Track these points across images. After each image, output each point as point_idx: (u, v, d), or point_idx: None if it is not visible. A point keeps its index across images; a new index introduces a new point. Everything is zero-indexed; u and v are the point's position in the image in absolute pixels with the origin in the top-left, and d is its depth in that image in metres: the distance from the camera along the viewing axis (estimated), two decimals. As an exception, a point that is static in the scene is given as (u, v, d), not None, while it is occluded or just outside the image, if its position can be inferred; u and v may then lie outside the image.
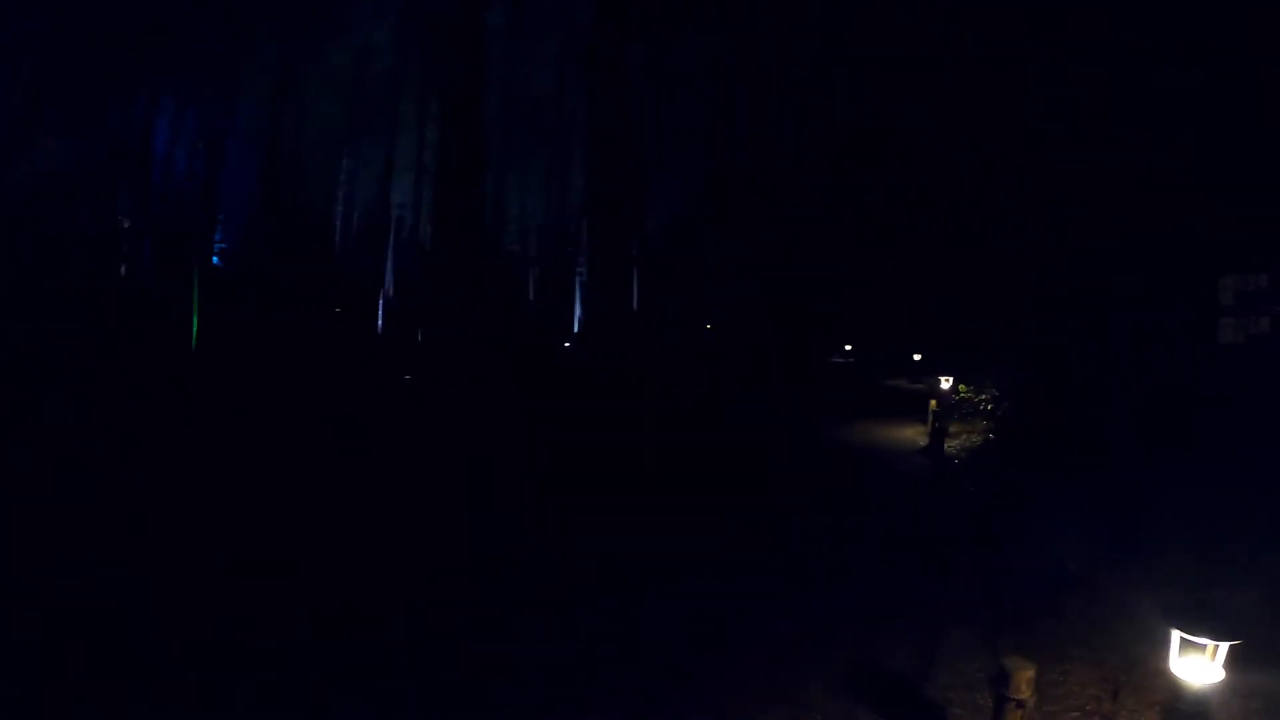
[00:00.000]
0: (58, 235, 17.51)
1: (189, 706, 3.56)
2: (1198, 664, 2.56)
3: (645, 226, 27.94)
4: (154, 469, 8.93)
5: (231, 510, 7.44)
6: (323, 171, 27.15)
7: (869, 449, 11.84)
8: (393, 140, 29.32)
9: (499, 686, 3.88)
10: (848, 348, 30.33)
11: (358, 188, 29.92)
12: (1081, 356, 10.13)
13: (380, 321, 25.38)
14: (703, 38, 27.50)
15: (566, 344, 26.18)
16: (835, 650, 4.34)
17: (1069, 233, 10.69)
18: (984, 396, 14.27)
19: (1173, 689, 3.56)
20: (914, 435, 12.88)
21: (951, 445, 11.37)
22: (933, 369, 21.86)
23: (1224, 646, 2.52)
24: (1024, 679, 2.83)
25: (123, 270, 21.76)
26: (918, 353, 24.40)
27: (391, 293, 28.06)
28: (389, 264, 28.86)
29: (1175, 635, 2.63)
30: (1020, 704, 2.83)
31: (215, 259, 23.97)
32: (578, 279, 30.82)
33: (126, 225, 22.50)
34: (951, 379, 13.33)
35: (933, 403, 12.84)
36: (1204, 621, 2.56)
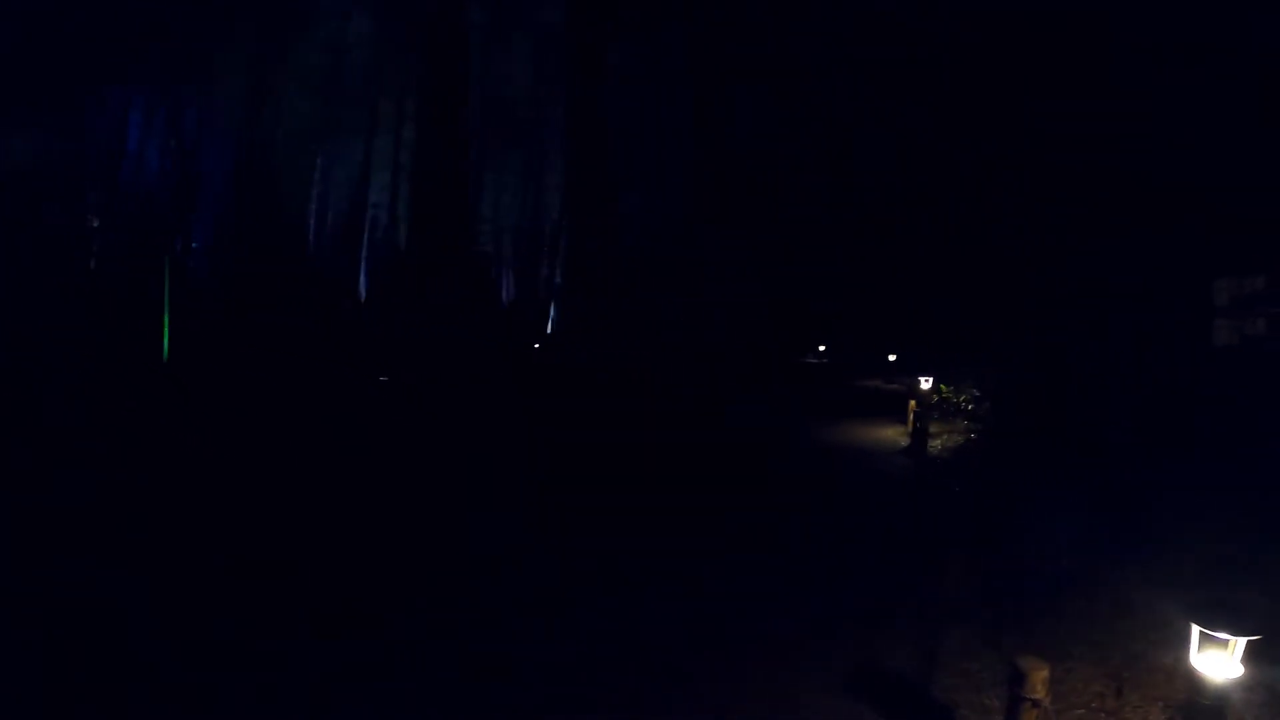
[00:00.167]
0: (25, 233, 17.38)
1: (189, 706, 3.56)
2: (1217, 659, 2.59)
3: (623, 226, 27.86)
4: (154, 469, 8.93)
5: (231, 510, 7.44)
6: (296, 170, 26.71)
7: (852, 450, 11.78)
8: (368, 138, 28.97)
9: (499, 686, 3.88)
10: (821, 348, 30.35)
11: (331, 186, 29.52)
12: (1076, 356, 10.16)
13: (355, 321, 25.16)
14: (695, 35, 27.47)
15: (537, 344, 26.17)
16: (836, 651, 4.33)
17: (1066, 233, 10.71)
18: (964, 397, 14.33)
19: (1175, 684, 3.67)
20: (894, 435, 12.83)
21: (933, 445, 11.36)
22: (908, 369, 22.00)
23: (1242, 641, 2.55)
24: (1039, 679, 2.83)
25: (91, 268, 21.48)
26: (893, 353, 24.47)
27: (364, 293, 27.74)
28: (363, 263, 28.40)
29: (1194, 630, 2.64)
30: (1036, 703, 2.84)
31: (185, 258, 23.67)
32: (555, 279, 30.75)
33: (95, 224, 22.26)
34: (932, 379, 13.35)
35: (912, 403, 12.82)
36: (1223, 617, 2.58)
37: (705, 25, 26.33)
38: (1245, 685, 3.29)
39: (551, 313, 30.61)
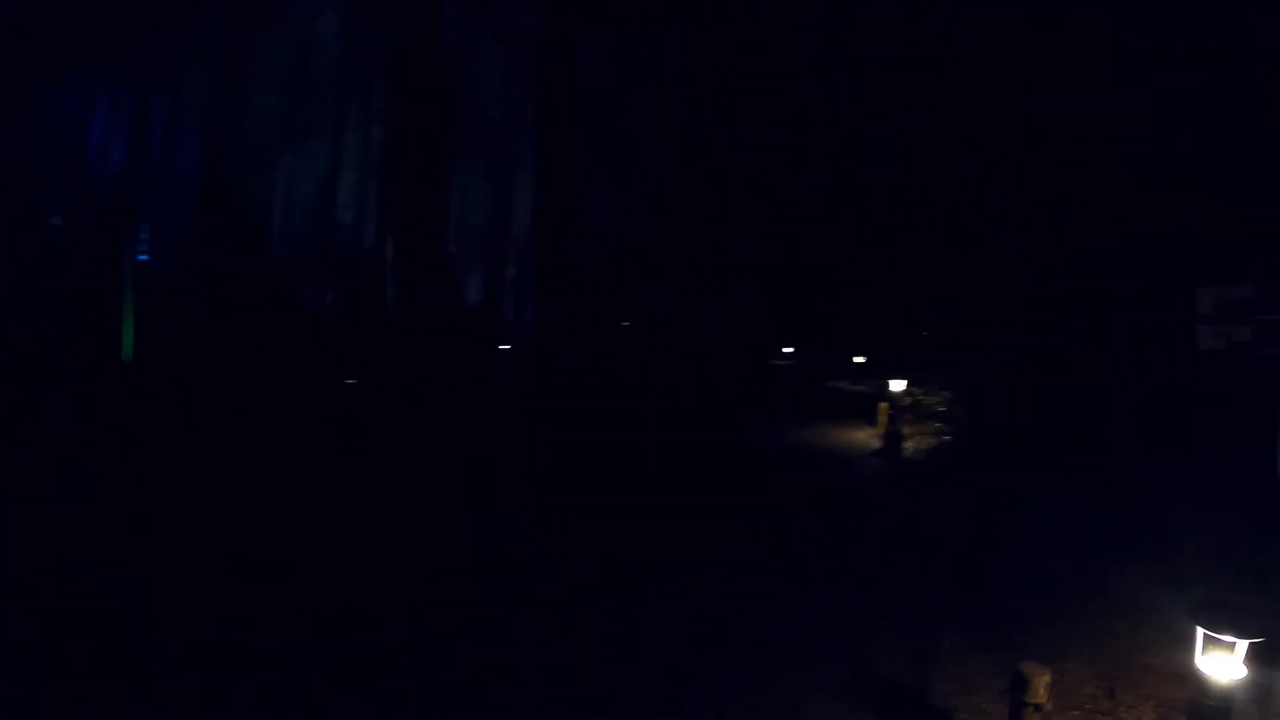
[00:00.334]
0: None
1: (189, 706, 3.56)
2: (1222, 660, 2.63)
3: (594, 227, 27.78)
4: (154, 469, 8.93)
5: (231, 510, 7.44)
6: (263, 168, 26.13)
7: (826, 452, 11.73)
8: (336, 137, 28.16)
9: (499, 686, 3.88)
10: (788, 349, 30.37)
11: (298, 185, 28.57)
12: (1074, 356, 10.18)
13: (321, 322, 24.83)
14: (671, 35, 27.42)
15: (504, 346, 26.20)
16: (832, 653, 4.33)
17: (1066, 233, 10.71)
18: (935, 399, 14.36)
19: (1167, 683, 3.73)
20: (866, 438, 12.81)
21: (905, 447, 11.33)
22: (875, 371, 22.06)
23: (1246, 644, 2.60)
24: (1042, 684, 2.87)
25: (53, 266, 21.16)
26: (860, 355, 24.51)
27: (330, 293, 27.27)
28: (328, 263, 27.91)
29: (1199, 633, 2.68)
30: (1038, 708, 2.87)
31: (145, 257, 22.97)
32: (523, 280, 30.57)
33: (57, 222, 21.94)
34: (905, 382, 13.39)
35: (883, 405, 12.77)
36: (1227, 619, 2.63)
37: (704, 25, 26.33)
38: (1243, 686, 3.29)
39: (518, 314, 30.50)
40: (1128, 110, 9.14)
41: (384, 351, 20.56)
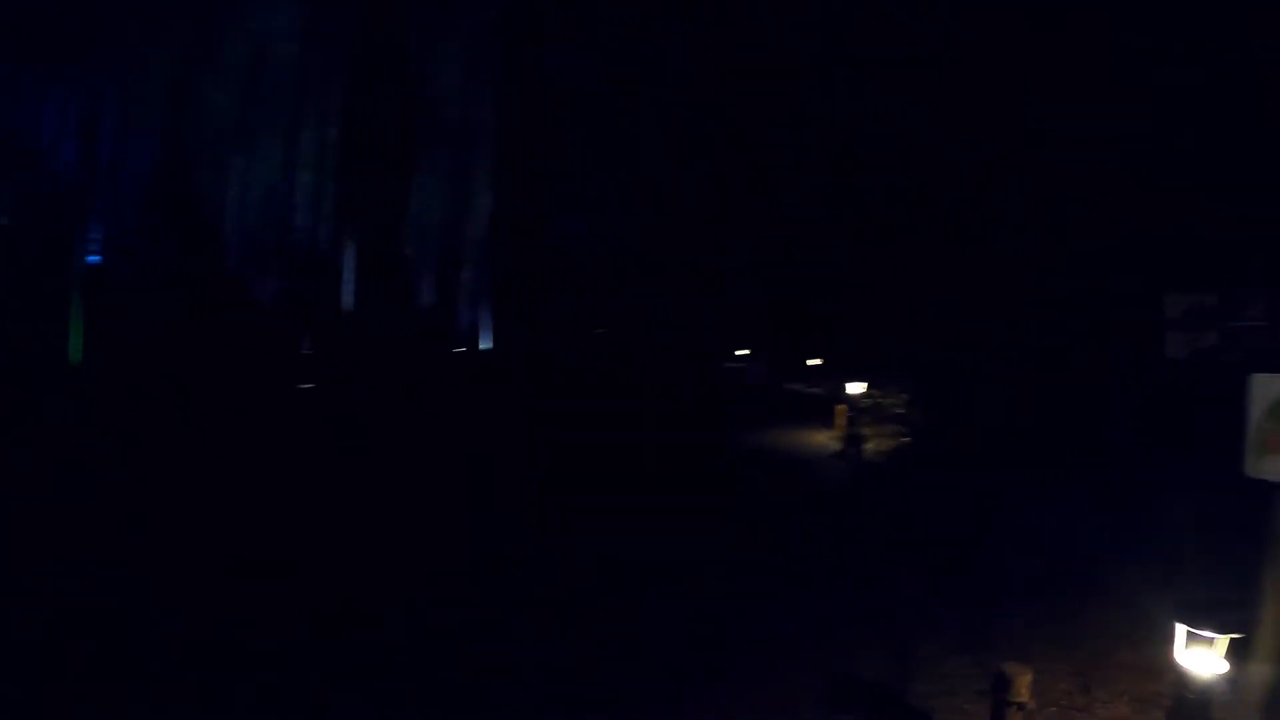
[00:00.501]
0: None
1: (189, 706, 3.56)
2: (1202, 655, 2.71)
3: (554, 229, 27.70)
4: (154, 469, 8.94)
5: (231, 510, 7.45)
6: (217, 168, 25.36)
7: (787, 455, 11.71)
8: (292, 137, 27.42)
9: (499, 686, 3.88)
10: (741, 352, 30.42)
11: (252, 185, 27.58)
12: (1046, 356, 10.24)
13: (274, 324, 24.53)
14: (633, 35, 27.38)
15: (460, 349, 26.13)
16: (819, 656, 4.32)
17: (1066, 233, 10.71)
18: (893, 401, 14.40)
19: (1139, 679, 3.79)
20: (825, 440, 12.80)
21: (866, 449, 11.31)
22: (830, 374, 22.16)
23: (1226, 639, 2.68)
24: (1024, 683, 2.91)
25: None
26: (815, 358, 24.56)
27: (283, 295, 26.83)
28: (283, 265, 27.56)
29: (1181, 629, 2.75)
30: (1021, 707, 2.91)
31: (97, 258, 22.03)
32: (479, 283, 30.41)
33: (4, 222, 21.60)
34: (865, 384, 13.45)
35: (841, 408, 12.78)
36: (1208, 616, 2.70)
37: (702, 25, 26.33)
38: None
39: (473, 317, 30.37)
40: (1128, 110, 9.14)
41: (339, 354, 20.47)
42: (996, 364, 11.22)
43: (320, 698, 3.69)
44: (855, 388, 12.86)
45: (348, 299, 24.99)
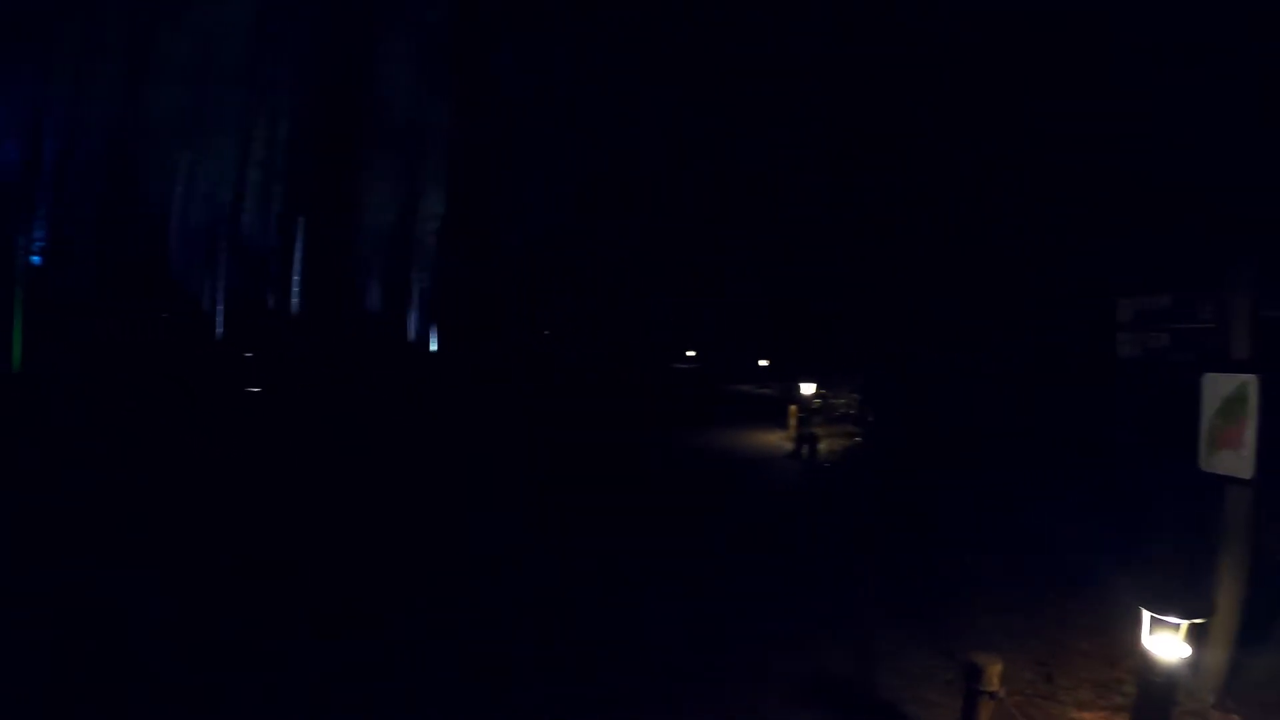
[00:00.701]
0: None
1: (190, 706, 3.56)
2: (1166, 640, 2.82)
3: (503, 232, 27.57)
4: (154, 469, 8.94)
5: (232, 510, 7.45)
6: (163, 165, 24.93)
7: (740, 457, 11.67)
8: (241, 134, 27.03)
9: (499, 686, 3.88)
10: (691, 353, 30.50)
11: (199, 183, 27.17)
12: (1020, 356, 10.31)
13: (217, 327, 24.29)
14: (586, 35, 27.25)
15: (402, 354, 26.11)
16: (773, 654, 4.34)
17: (1066, 233, 10.71)
18: (844, 401, 14.45)
19: (1097, 665, 3.97)
20: (777, 440, 12.84)
21: (819, 449, 11.33)
22: (778, 375, 22.19)
23: (1188, 624, 2.81)
24: (995, 672, 3.00)
25: None
26: (764, 358, 24.60)
27: (226, 297, 26.32)
28: (227, 265, 26.66)
29: (1146, 615, 2.86)
30: (992, 695, 2.99)
31: (38, 259, 21.52)
32: (425, 286, 30.24)
33: None
34: (815, 385, 13.48)
35: (793, 408, 12.83)
36: (1171, 602, 2.82)
37: (705, 25, 26.33)
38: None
39: (418, 321, 30.23)
40: (1128, 110, 9.13)
41: (284, 357, 20.39)
42: (960, 363, 11.29)
43: (320, 698, 3.69)
44: (806, 388, 12.95)
45: (294, 300, 24.76)
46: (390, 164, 30.37)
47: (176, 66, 24.37)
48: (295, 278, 26.03)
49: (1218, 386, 3.51)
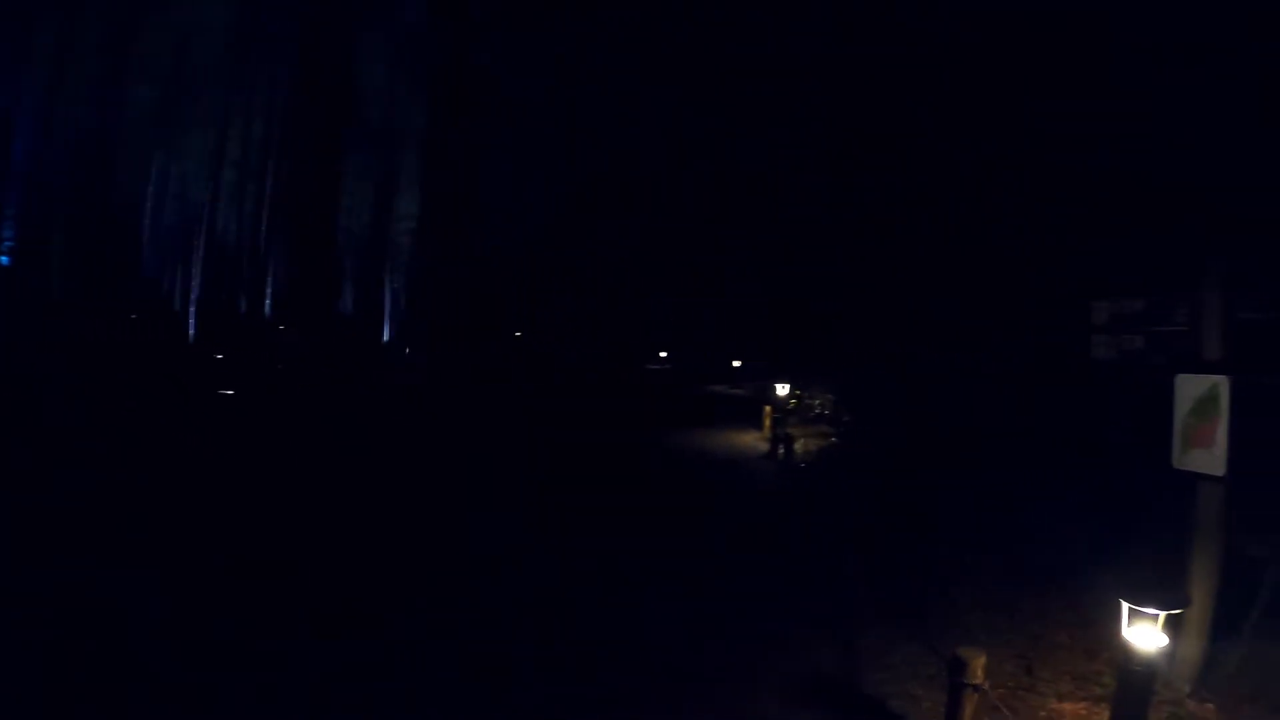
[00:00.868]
0: None
1: (189, 706, 3.56)
2: (1145, 631, 2.90)
3: (480, 235, 27.43)
4: (154, 469, 8.93)
5: (231, 510, 7.45)
6: (134, 164, 24.82)
7: (717, 457, 11.67)
8: (215, 133, 26.64)
9: (499, 686, 3.88)
10: (663, 354, 30.51)
11: (171, 183, 27.24)
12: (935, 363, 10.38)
13: (188, 329, 24.07)
14: (567, 34, 27.16)
15: (376, 355, 26.04)
16: (758, 651, 4.39)
17: (1066, 233, 10.72)
18: (819, 401, 14.48)
19: (1076, 657, 4.08)
20: (753, 441, 12.85)
21: (795, 449, 11.27)
22: (751, 375, 22.17)
23: (1165, 615, 2.89)
24: (979, 665, 3.07)
25: None
26: (737, 359, 24.61)
27: (198, 298, 25.77)
28: (199, 265, 26.38)
29: (1125, 607, 2.94)
30: (976, 688, 3.07)
31: (6, 259, 21.26)
32: (399, 288, 30.12)
33: None
34: (788, 386, 13.51)
35: (768, 409, 12.85)
36: (1149, 594, 2.90)
37: (706, 25, 26.31)
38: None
39: (394, 322, 30.12)
40: (1128, 110, 9.13)
41: (259, 358, 20.31)
42: (958, 363, 11.32)
43: (320, 698, 3.69)
44: (780, 389, 12.98)
45: (269, 302, 24.58)
46: (369, 164, 30.31)
47: (150, 66, 24.14)
48: (270, 278, 25.86)
49: (1190, 387, 3.61)
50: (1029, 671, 3.97)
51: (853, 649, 4.35)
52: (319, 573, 5.60)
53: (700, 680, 4.00)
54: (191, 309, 25.46)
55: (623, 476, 10.01)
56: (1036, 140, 10.80)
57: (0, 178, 21.39)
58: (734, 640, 4.55)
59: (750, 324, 25.01)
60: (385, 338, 30.53)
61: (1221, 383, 3.45)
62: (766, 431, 12.65)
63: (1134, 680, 2.96)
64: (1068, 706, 3.65)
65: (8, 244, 21.40)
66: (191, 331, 24.36)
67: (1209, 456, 3.48)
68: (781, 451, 10.32)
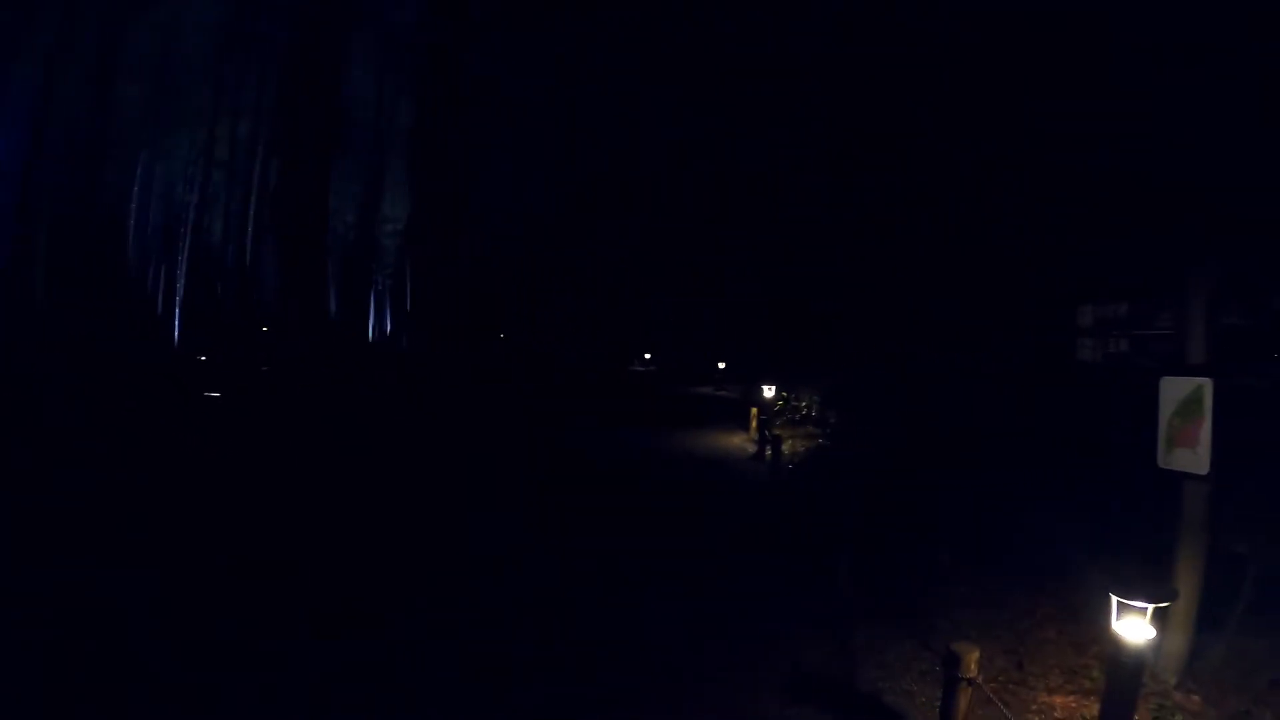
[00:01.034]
0: None
1: (189, 706, 3.56)
2: (1133, 624, 2.97)
3: (469, 236, 27.38)
4: (154, 469, 8.93)
5: (231, 510, 7.45)
6: (119, 162, 24.57)
7: (704, 459, 11.64)
8: (203, 133, 26.57)
9: (499, 686, 3.89)
10: (647, 355, 30.49)
11: (156, 182, 26.94)
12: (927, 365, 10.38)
13: (171, 329, 23.92)
14: (558, 33, 27.09)
15: (363, 357, 25.95)
16: (775, 650, 4.40)
17: (1066, 233, 10.73)
18: (805, 403, 14.50)
19: (1064, 651, 4.15)
20: (740, 442, 12.86)
21: (782, 450, 11.15)
22: (736, 377, 22.11)
23: (1153, 608, 2.96)
24: (972, 659, 3.14)
25: None
26: (721, 360, 24.62)
27: (182, 298, 25.73)
28: (183, 266, 26.31)
29: (1114, 600, 3.01)
30: (970, 682, 3.14)
31: None
32: (384, 289, 30.01)
33: None
34: (774, 387, 13.52)
35: (754, 410, 12.86)
36: (1138, 587, 2.96)
37: (705, 25, 26.30)
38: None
39: (382, 323, 30.02)
40: (1128, 110, 9.13)
41: (244, 360, 20.25)
42: (959, 363, 11.32)
43: (320, 698, 3.69)
44: (767, 391, 13.00)
45: (260, 303, 24.50)
46: (361, 164, 30.19)
47: (137, 68, 24.06)
48: (259, 280, 25.78)
49: (1175, 389, 3.70)
50: (1019, 666, 4.06)
51: (849, 647, 4.39)
52: (319, 573, 5.60)
53: (701, 680, 4.00)
54: (176, 310, 25.40)
55: (613, 477, 10.00)
56: (1035, 140, 10.80)
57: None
58: (734, 640, 4.55)
59: (742, 325, 25.00)
60: (379, 339, 30.46)
61: (1205, 384, 3.55)
62: (753, 433, 12.64)
63: (1123, 671, 3.03)
64: (1058, 699, 3.72)
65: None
66: (176, 333, 24.28)
67: (1193, 456, 3.58)
68: (769, 452, 10.31)
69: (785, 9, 24.44)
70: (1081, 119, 9.79)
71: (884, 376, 12.93)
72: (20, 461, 9.04)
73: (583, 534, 6.93)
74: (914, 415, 10.65)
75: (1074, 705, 3.66)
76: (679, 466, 10.93)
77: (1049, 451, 7.12)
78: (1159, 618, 3.02)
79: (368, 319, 30.88)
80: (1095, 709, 3.49)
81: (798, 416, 14.49)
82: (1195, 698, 3.60)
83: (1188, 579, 3.68)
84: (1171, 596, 3.15)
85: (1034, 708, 3.66)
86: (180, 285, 26.16)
